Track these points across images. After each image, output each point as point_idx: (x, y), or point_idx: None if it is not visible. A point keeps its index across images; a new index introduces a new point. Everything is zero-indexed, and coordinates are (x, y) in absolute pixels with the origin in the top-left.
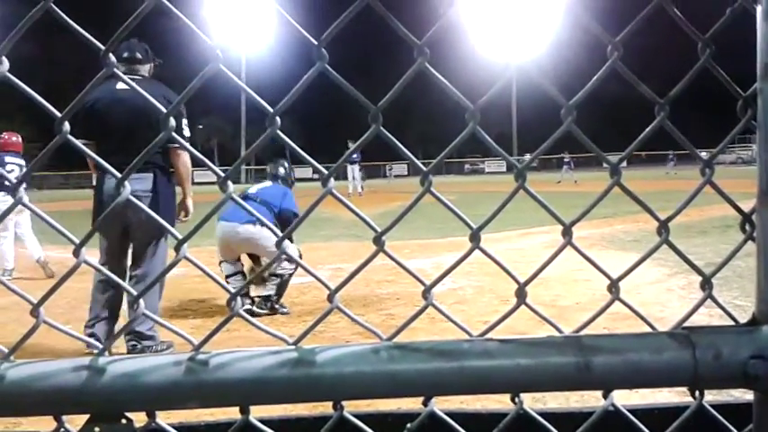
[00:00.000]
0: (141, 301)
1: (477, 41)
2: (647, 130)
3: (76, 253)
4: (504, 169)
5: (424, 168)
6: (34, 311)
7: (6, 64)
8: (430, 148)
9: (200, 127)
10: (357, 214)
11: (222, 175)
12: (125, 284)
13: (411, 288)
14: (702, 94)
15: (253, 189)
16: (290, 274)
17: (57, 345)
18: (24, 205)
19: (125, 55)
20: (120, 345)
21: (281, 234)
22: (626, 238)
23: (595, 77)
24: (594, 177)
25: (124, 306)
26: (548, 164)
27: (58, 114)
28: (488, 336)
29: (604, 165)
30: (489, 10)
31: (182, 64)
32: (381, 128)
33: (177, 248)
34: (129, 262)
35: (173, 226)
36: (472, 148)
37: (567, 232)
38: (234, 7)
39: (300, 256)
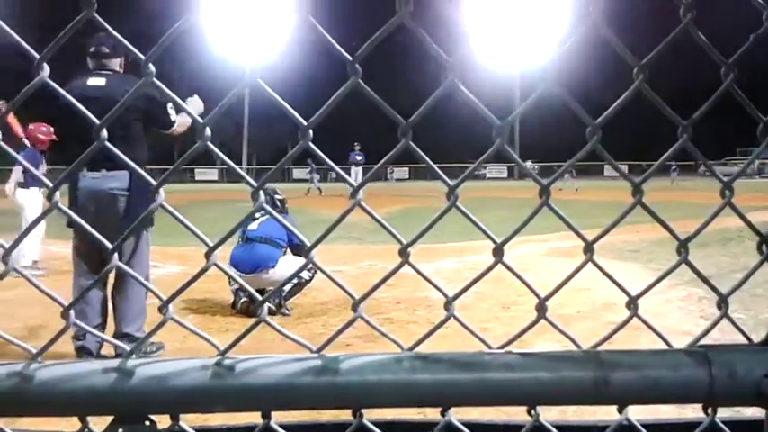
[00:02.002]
0: (126, 302)
1: (487, 52)
2: (670, 151)
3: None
4: (506, 175)
5: (451, 183)
6: (65, 314)
7: (47, 70)
8: (440, 151)
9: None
10: (383, 226)
11: (255, 185)
12: (152, 287)
13: (412, 293)
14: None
15: (253, 226)
16: (307, 281)
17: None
18: (61, 209)
19: (92, 50)
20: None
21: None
22: (625, 248)
23: (621, 98)
24: (596, 186)
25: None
26: (549, 171)
27: None
28: (508, 348)
29: (605, 174)
30: (508, 20)
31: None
32: (411, 143)
33: (208, 255)
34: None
35: (151, 225)
36: (474, 154)
37: (588, 249)
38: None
39: (315, 270)
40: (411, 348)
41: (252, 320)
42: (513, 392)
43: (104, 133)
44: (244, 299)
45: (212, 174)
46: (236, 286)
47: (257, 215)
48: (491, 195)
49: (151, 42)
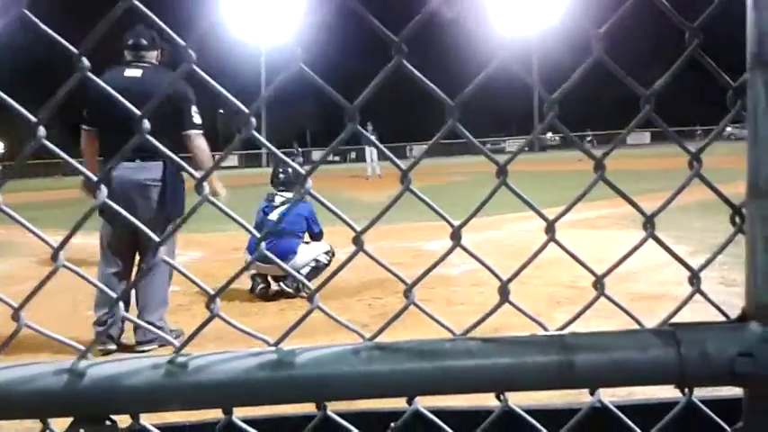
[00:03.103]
0: (150, 291)
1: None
2: (632, 123)
3: (54, 257)
4: (526, 148)
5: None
6: (15, 316)
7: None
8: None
9: (221, 112)
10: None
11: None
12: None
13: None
14: (692, 68)
15: (273, 216)
16: (325, 265)
17: (76, 334)
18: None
19: (130, 42)
20: (129, 333)
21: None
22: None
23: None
24: (616, 155)
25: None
26: (569, 142)
27: (33, 119)
28: (471, 334)
29: (628, 142)
30: None
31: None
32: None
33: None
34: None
35: (181, 215)
36: (495, 128)
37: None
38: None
39: (333, 252)
40: (372, 338)
41: (270, 303)
42: (475, 380)
43: (146, 124)
44: (261, 285)
45: (233, 159)
46: (254, 271)
47: (277, 202)
48: (513, 168)
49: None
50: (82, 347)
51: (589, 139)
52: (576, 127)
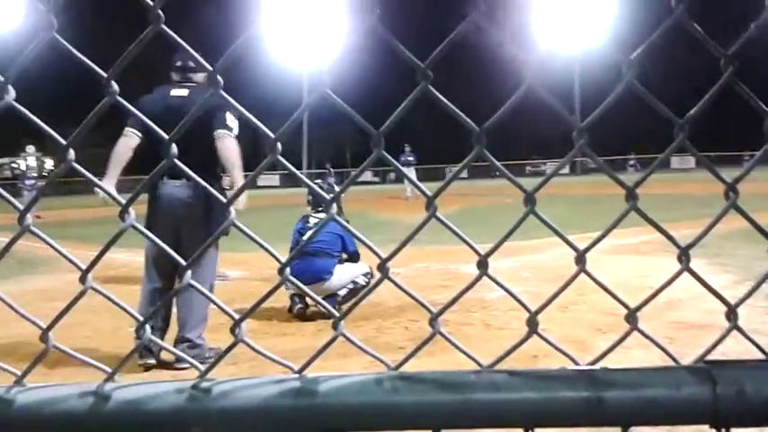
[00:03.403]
0: (190, 308)
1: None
2: (666, 152)
3: (82, 279)
4: (568, 171)
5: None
6: (43, 337)
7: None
8: (501, 147)
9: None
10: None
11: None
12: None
13: (466, 294)
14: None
15: (307, 235)
16: (363, 287)
17: (119, 350)
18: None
19: (178, 63)
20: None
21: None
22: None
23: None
24: (659, 179)
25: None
26: (612, 165)
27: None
28: (498, 367)
29: (673, 166)
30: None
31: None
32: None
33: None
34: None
35: (226, 235)
36: (536, 150)
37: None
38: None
39: (371, 274)
40: (396, 367)
41: (308, 324)
42: (500, 414)
43: (174, 149)
44: (299, 305)
45: (274, 179)
46: (292, 291)
47: (311, 223)
48: (553, 192)
49: (218, 54)
50: (109, 369)
51: (632, 162)
52: (619, 150)
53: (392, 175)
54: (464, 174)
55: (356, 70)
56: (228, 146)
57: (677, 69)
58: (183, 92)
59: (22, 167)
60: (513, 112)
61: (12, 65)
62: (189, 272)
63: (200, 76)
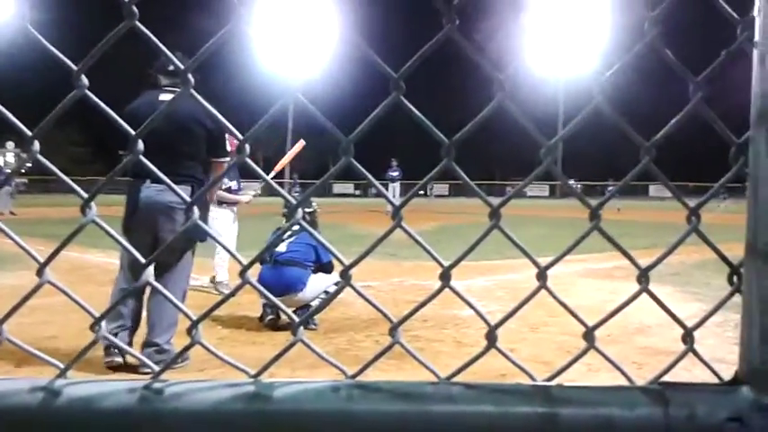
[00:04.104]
0: (159, 312)
1: (533, 62)
2: (629, 175)
3: (39, 272)
4: (547, 193)
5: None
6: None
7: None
8: (483, 166)
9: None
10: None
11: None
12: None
13: (440, 310)
14: (700, 125)
15: (281, 247)
16: (335, 295)
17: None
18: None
19: (169, 68)
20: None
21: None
22: (665, 271)
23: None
24: (637, 206)
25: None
26: (592, 191)
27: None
28: (456, 379)
29: (650, 194)
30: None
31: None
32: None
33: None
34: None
35: (203, 240)
36: (516, 171)
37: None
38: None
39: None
40: (354, 376)
41: (279, 333)
42: (455, 426)
43: (140, 145)
44: (271, 316)
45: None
46: (264, 301)
47: (284, 235)
48: (532, 213)
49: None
50: (61, 365)
51: (610, 188)
52: (602, 175)
53: (374, 189)
54: (444, 191)
55: (344, 80)
56: (220, 172)
57: (664, 94)
58: (168, 96)
59: (0, 163)
60: (497, 132)
61: None
62: (150, 269)
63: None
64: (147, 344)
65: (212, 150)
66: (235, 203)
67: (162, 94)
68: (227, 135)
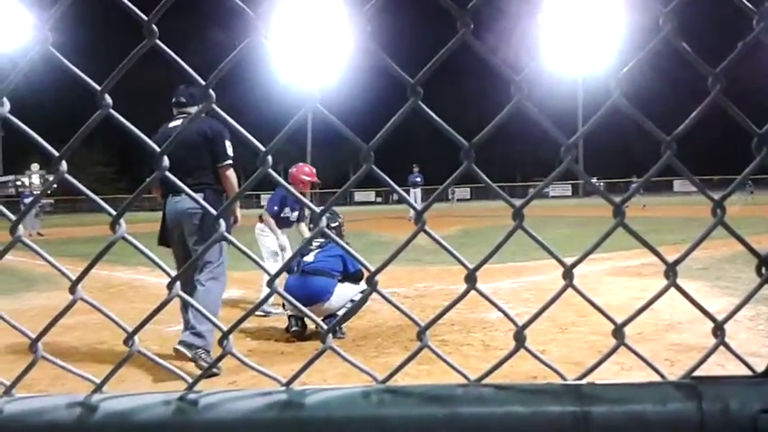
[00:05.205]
0: (202, 304)
1: (550, 62)
2: (652, 170)
3: (72, 290)
4: (570, 193)
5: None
6: (32, 347)
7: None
8: (505, 168)
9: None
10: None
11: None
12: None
13: (468, 314)
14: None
15: (309, 257)
16: (363, 304)
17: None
18: None
19: (173, 100)
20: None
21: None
22: (694, 266)
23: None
24: (663, 202)
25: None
26: (614, 188)
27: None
28: (486, 381)
29: (674, 189)
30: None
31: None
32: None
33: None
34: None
35: (223, 239)
36: (541, 171)
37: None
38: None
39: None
40: (384, 381)
41: (306, 343)
42: (486, 427)
43: (166, 161)
44: (296, 327)
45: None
46: (290, 312)
47: (312, 245)
48: (555, 214)
49: (224, 78)
50: (97, 380)
51: (634, 185)
52: (625, 172)
53: (395, 196)
54: (466, 195)
55: (363, 88)
56: (229, 176)
57: (678, 90)
58: (179, 122)
59: (26, 184)
60: (513, 132)
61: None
62: (177, 283)
63: (192, 109)
64: (187, 325)
65: (215, 157)
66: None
67: (172, 121)
68: (294, 172)
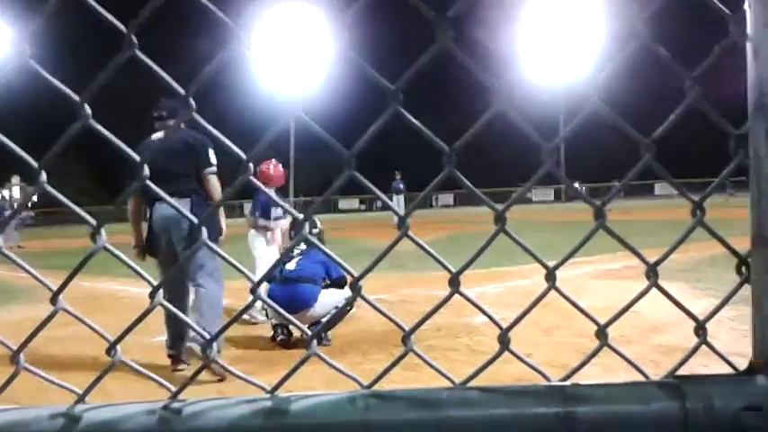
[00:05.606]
0: (205, 305)
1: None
2: (632, 173)
3: (53, 300)
4: (552, 198)
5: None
6: (14, 359)
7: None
8: (486, 174)
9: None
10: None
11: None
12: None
13: (453, 319)
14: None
15: (290, 265)
16: (348, 310)
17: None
18: None
19: (155, 114)
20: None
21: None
22: (675, 268)
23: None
24: (642, 206)
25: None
26: (596, 192)
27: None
28: (471, 384)
29: (655, 193)
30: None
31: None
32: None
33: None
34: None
35: (214, 239)
36: (523, 177)
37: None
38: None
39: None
40: (369, 386)
41: (292, 351)
42: (471, 430)
43: (146, 170)
44: (282, 336)
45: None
46: (274, 320)
47: (294, 252)
48: (537, 219)
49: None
50: (79, 391)
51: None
52: (606, 176)
53: (378, 203)
54: (449, 201)
55: (344, 95)
56: (213, 183)
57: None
58: (161, 134)
59: (6, 198)
60: (493, 138)
61: None
62: (160, 291)
63: (171, 122)
64: (173, 335)
65: (198, 165)
66: (265, 229)
67: (155, 135)
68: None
